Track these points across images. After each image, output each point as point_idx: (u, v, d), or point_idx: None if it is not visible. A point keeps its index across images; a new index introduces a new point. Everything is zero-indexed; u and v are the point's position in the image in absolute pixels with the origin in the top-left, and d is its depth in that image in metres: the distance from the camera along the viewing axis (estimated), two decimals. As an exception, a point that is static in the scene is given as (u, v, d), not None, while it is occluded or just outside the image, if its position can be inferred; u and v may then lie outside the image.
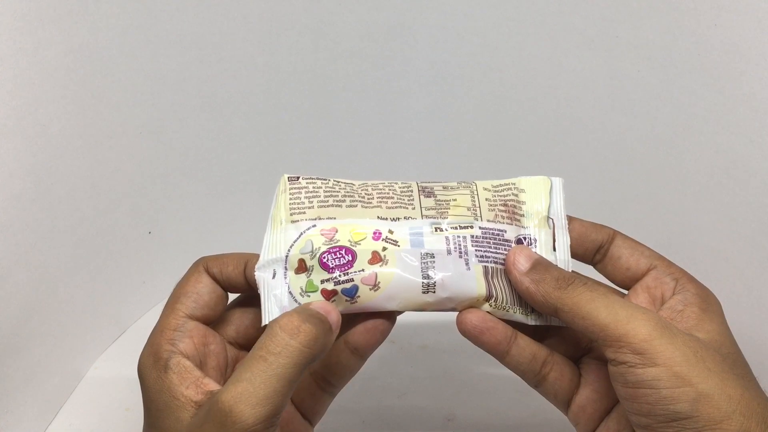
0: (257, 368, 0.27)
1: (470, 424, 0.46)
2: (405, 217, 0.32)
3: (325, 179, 0.33)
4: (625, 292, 0.34)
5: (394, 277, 0.31)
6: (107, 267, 0.51)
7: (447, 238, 0.32)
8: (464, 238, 0.32)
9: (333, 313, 0.30)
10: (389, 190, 0.33)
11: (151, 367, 0.30)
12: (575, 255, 0.34)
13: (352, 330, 0.33)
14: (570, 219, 0.34)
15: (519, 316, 0.33)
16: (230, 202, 0.59)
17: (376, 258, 0.31)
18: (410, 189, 0.33)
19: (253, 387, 0.26)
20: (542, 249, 0.33)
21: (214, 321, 0.33)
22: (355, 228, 0.32)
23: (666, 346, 0.27)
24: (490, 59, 0.54)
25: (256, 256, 0.32)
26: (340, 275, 0.31)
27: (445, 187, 0.34)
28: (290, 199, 0.32)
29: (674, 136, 0.48)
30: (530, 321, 0.33)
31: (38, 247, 0.43)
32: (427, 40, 0.55)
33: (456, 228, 0.32)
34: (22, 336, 0.43)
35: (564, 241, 0.33)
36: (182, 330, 0.31)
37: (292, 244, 0.32)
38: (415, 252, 0.32)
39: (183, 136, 0.53)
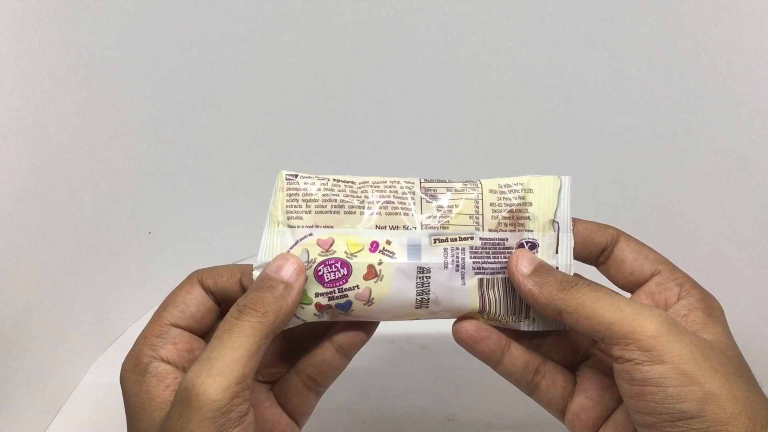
0: (213, 345, 0.28)
1: (470, 424, 0.46)
2: (404, 227, 0.32)
3: (323, 178, 0.33)
4: (628, 295, 0.33)
5: (388, 294, 0.31)
6: (107, 267, 0.51)
7: (445, 250, 0.32)
8: (463, 250, 0.32)
9: (287, 267, 0.30)
10: (390, 191, 0.33)
11: (131, 372, 0.30)
12: (578, 257, 0.34)
13: (336, 329, 0.33)
14: (574, 221, 0.33)
15: (512, 324, 0.33)
16: (230, 202, 0.59)
17: (371, 273, 0.31)
18: (413, 190, 0.33)
19: (211, 361, 0.27)
20: (545, 253, 0.33)
21: (201, 332, 0.33)
22: (351, 239, 0.32)
23: (674, 343, 0.27)
24: (490, 59, 0.54)
25: (251, 267, 0.32)
26: (334, 291, 0.31)
27: (449, 189, 0.33)
28: (287, 200, 0.32)
29: (674, 136, 0.48)
30: (523, 327, 0.33)
31: (38, 247, 0.43)
32: (427, 40, 0.55)
33: (456, 239, 0.32)
34: (22, 336, 0.43)
35: (567, 245, 0.33)
36: (165, 337, 0.31)
37: (288, 251, 0.32)
38: (410, 266, 0.32)
39: (183, 136, 0.53)
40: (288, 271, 0.30)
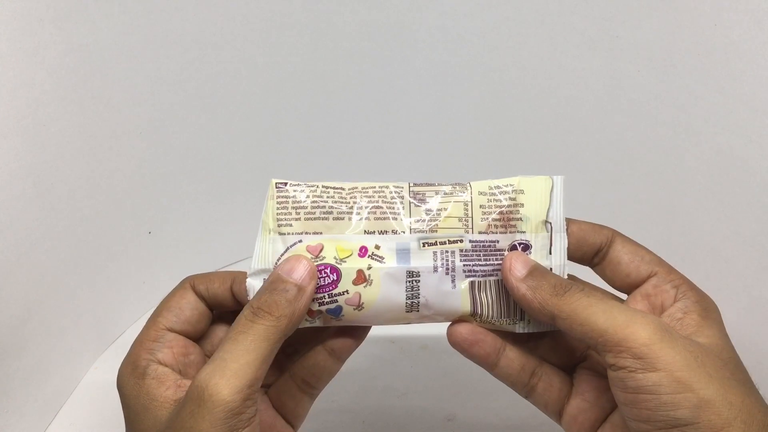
0: (227, 347, 0.28)
1: (470, 424, 0.46)
2: (393, 231, 0.32)
3: (313, 185, 0.33)
4: (624, 296, 0.33)
5: (378, 298, 0.31)
6: (107, 267, 0.51)
7: (435, 254, 0.32)
8: (452, 253, 0.32)
9: (299, 269, 0.30)
10: (379, 196, 0.33)
11: (129, 376, 0.30)
12: (573, 258, 0.33)
13: (328, 333, 0.33)
14: (568, 222, 0.33)
15: (507, 326, 0.33)
16: (230, 202, 0.59)
17: (360, 278, 0.31)
18: (401, 194, 0.33)
19: (225, 362, 0.27)
20: (538, 254, 0.33)
21: (195, 337, 0.33)
22: (340, 244, 0.32)
23: (666, 350, 0.26)
24: (490, 59, 0.54)
25: (243, 274, 0.33)
26: (324, 296, 0.31)
27: (437, 192, 0.33)
28: (277, 208, 0.32)
29: (674, 136, 0.48)
30: (518, 329, 0.33)
31: (38, 247, 0.43)
32: (427, 40, 0.55)
33: (445, 243, 0.32)
34: (22, 336, 0.43)
35: (560, 246, 0.33)
36: (161, 341, 0.31)
37: (279, 258, 0.32)
38: (400, 270, 0.32)
39: (183, 136, 0.53)
40: (300, 274, 0.30)
